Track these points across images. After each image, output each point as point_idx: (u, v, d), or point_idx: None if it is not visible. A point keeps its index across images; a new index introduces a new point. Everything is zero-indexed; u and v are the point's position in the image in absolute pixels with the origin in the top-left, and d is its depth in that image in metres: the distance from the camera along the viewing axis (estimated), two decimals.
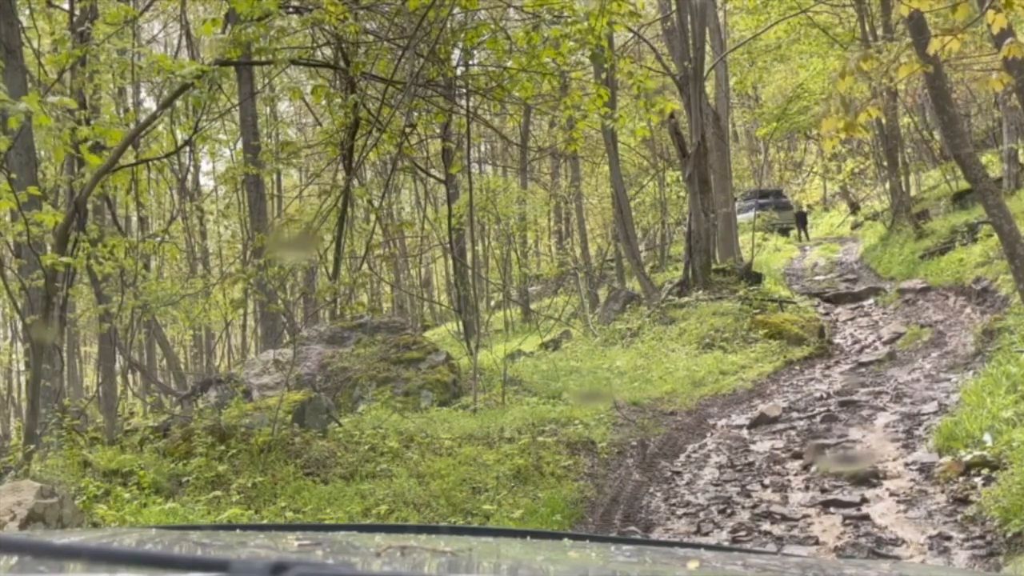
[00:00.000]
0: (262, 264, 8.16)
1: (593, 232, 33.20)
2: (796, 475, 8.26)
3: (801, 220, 33.13)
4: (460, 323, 18.28)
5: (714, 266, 18.05)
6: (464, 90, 10.03)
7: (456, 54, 10.73)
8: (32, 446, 6.95)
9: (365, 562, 1.61)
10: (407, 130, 9.16)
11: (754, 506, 7.44)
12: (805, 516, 7.02)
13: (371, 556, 1.66)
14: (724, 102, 22.55)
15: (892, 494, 7.25)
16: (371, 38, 9.55)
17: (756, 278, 18.15)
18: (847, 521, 6.76)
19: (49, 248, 8.09)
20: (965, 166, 8.99)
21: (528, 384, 12.52)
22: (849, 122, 5.15)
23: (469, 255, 20.74)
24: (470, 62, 11.93)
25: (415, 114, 9.51)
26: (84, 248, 9.27)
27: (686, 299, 16.83)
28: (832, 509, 7.13)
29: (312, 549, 1.77)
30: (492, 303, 25.07)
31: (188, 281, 15.25)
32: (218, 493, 7.04)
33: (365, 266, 13.47)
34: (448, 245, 16.85)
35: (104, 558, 1.33)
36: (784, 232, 32.40)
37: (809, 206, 36.20)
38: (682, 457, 9.35)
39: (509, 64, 8.60)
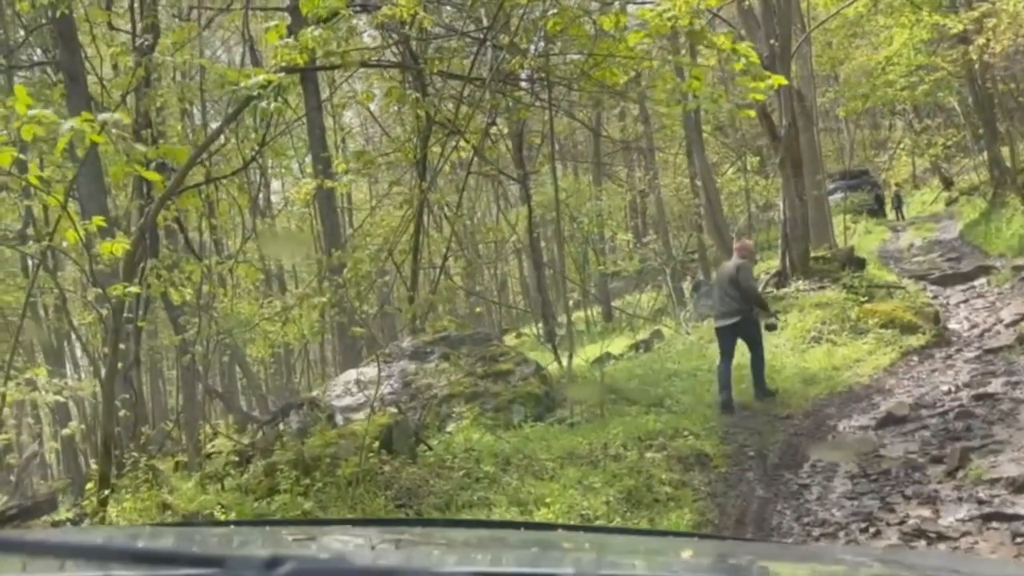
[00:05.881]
0: (341, 283, 7.58)
1: (671, 224, 32.20)
2: (942, 483, 7.33)
3: (888, 201, 32.13)
4: (542, 328, 17.62)
5: (812, 253, 17.02)
6: (546, 81, 9.30)
7: (534, 45, 10.05)
8: (106, 491, 6.45)
9: (359, 556, 1.60)
10: (487, 127, 8.49)
11: (901, 522, 6.55)
12: (965, 534, 6.12)
13: (366, 550, 1.66)
14: (809, 82, 21.44)
15: None
16: (444, 33, 8.92)
17: (859, 263, 17.07)
18: (1018, 539, 5.87)
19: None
20: None
21: (625, 391, 11.73)
22: None
23: (547, 255, 20.04)
24: (551, 51, 11.24)
25: (495, 113, 8.85)
26: (157, 274, 8.85)
27: (785, 290, 15.87)
28: (995, 524, 6.22)
29: (307, 544, 1.77)
30: (571, 303, 24.32)
31: (266, 302, 14.84)
32: None
33: (444, 279, 12.86)
34: (529, 246, 16.19)
35: (102, 555, 1.39)
36: (873, 213, 31.12)
37: (899, 184, 34.77)
38: (806, 467, 8.49)
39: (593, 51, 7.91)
